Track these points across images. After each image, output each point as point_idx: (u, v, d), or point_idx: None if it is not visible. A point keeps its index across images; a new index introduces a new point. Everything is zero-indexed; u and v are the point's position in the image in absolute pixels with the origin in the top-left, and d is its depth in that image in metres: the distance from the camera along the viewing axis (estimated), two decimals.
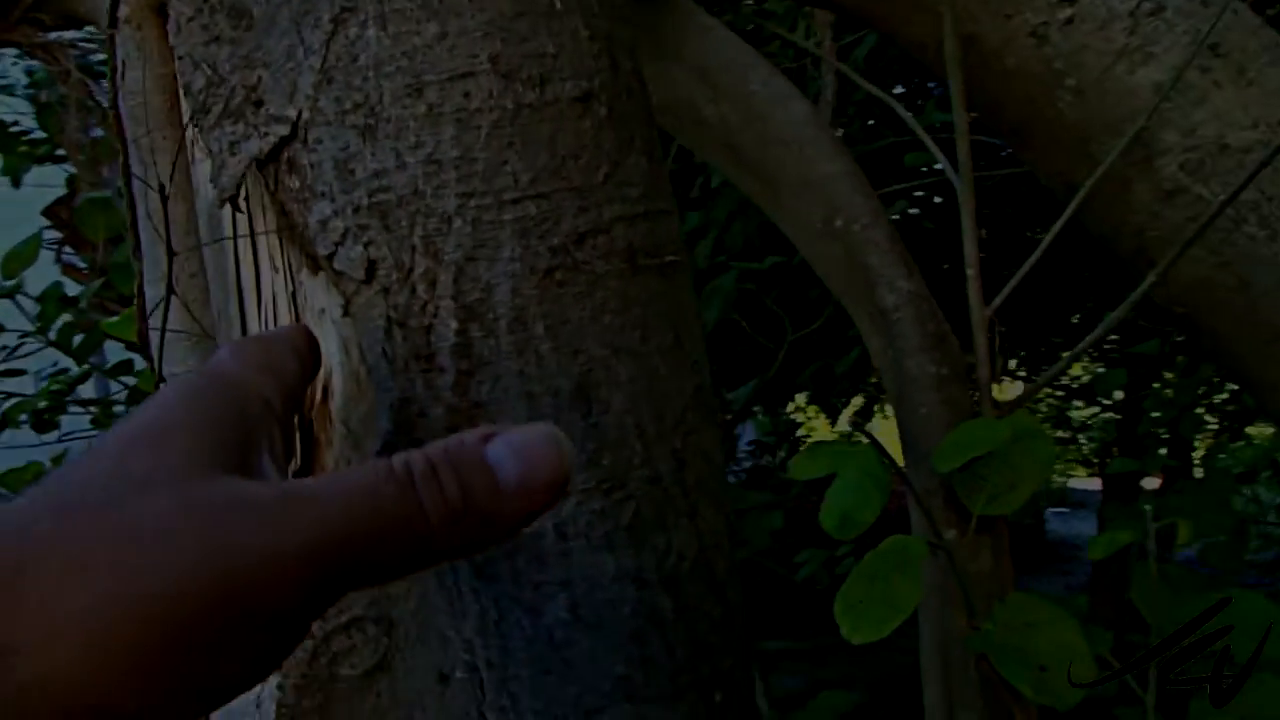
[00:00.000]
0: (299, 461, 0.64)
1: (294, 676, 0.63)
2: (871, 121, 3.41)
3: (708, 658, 0.60)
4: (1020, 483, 1.28)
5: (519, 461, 0.41)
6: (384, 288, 0.59)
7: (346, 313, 0.62)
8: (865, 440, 1.27)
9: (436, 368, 0.58)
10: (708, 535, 0.61)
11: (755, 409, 4.62)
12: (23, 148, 2.57)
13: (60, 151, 2.57)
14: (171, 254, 0.60)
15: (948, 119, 2.75)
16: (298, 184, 0.61)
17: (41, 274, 2.06)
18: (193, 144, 0.67)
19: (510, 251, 0.58)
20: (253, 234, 0.65)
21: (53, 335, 1.96)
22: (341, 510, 0.37)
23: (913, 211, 4.14)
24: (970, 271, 1.40)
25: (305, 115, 0.60)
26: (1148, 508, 1.38)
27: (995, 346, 1.45)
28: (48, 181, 2.67)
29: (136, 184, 0.69)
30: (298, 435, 0.64)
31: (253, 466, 0.41)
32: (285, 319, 0.64)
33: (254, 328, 0.65)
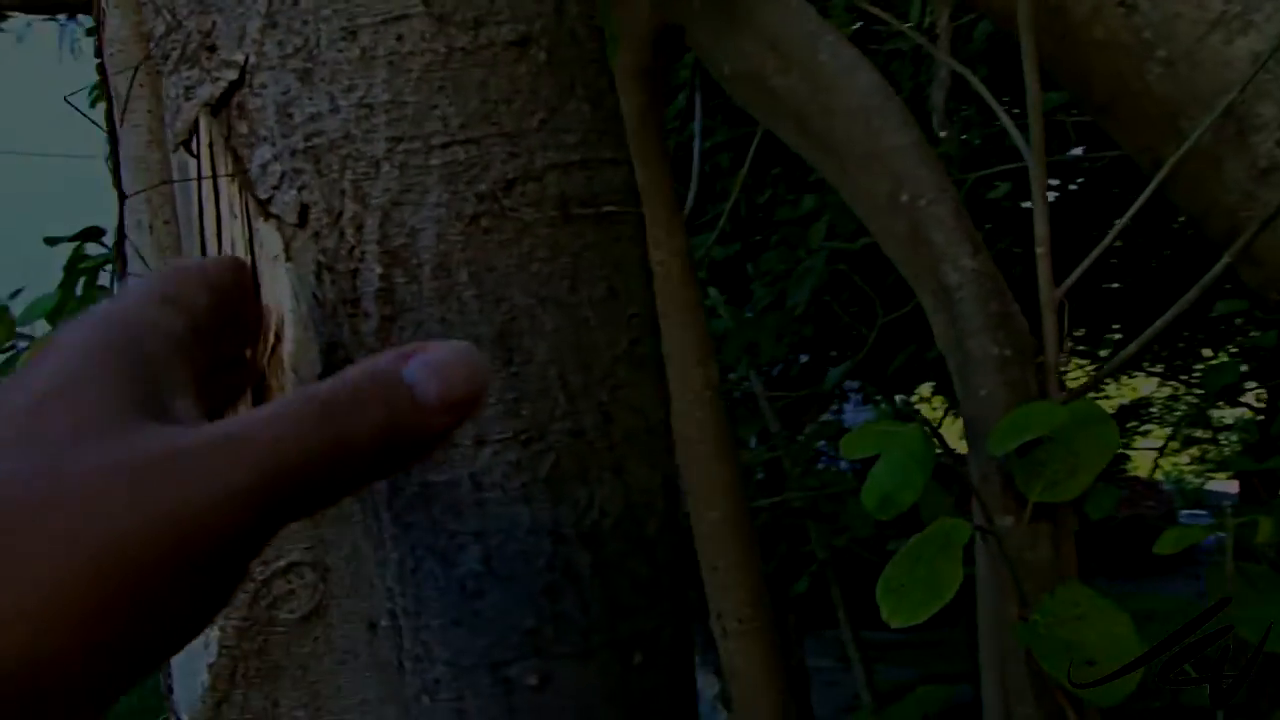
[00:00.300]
0: (250, 407, 0.64)
1: (235, 619, 0.64)
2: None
3: (628, 617, 0.59)
4: (1081, 469, 1.23)
5: (437, 379, 0.42)
6: (315, 232, 0.59)
7: (288, 257, 0.62)
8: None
9: (361, 313, 0.58)
10: (636, 492, 0.60)
11: (877, 397, 4.54)
12: None
13: None
14: (123, 197, 0.62)
15: (1062, 99, 2.64)
16: (246, 129, 0.62)
17: None
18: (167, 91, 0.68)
19: (436, 197, 0.57)
20: (215, 178, 0.65)
21: None
22: (271, 448, 0.37)
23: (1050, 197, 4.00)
24: (1040, 250, 1.35)
25: (252, 59, 0.61)
26: (1228, 505, 1.31)
27: (1065, 328, 1.39)
28: None
29: (123, 130, 0.70)
30: (249, 384, 0.65)
31: (167, 409, 0.40)
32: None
33: None
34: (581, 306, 0.59)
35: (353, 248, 0.58)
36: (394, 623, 0.60)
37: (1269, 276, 1.36)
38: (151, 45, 0.66)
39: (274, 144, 0.60)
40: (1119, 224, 1.38)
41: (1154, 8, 1.35)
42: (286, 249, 0.61)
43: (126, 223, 0.71)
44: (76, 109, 0.65)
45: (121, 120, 0.67)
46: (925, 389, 5.01)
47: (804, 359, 4.11)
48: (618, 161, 0.62)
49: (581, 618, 0.57)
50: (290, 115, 0.59)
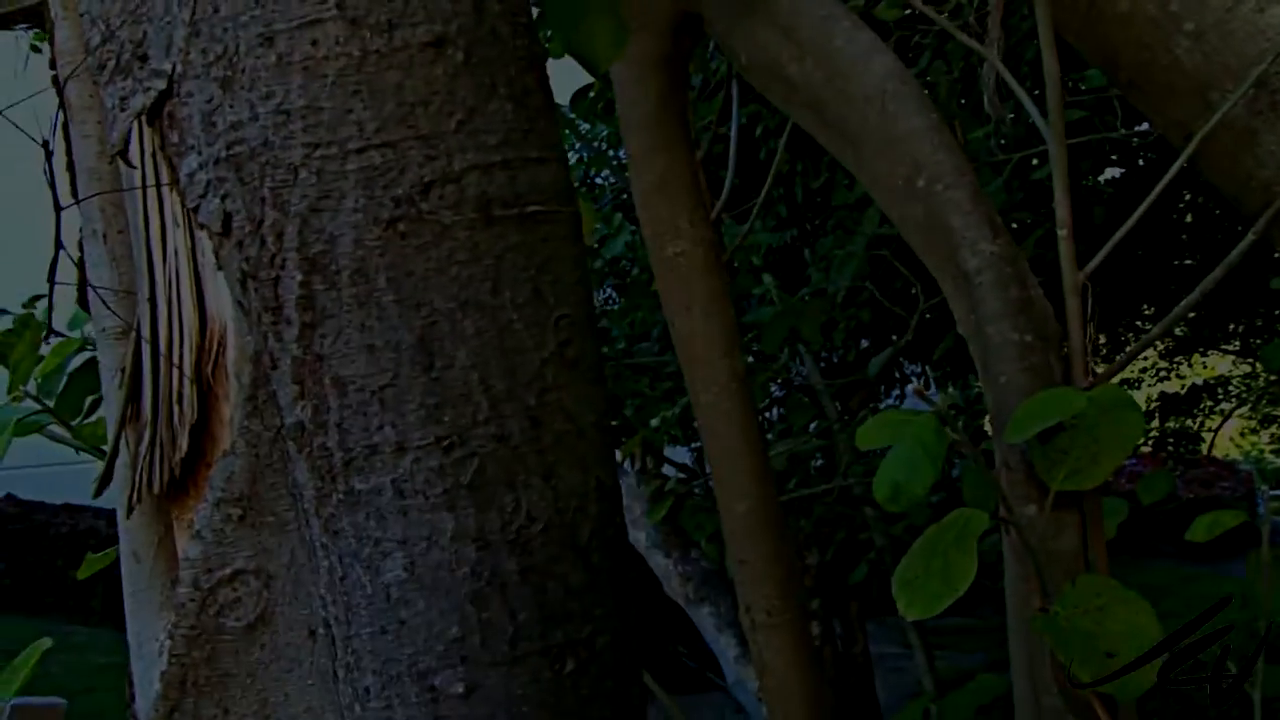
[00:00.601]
0: (195, 416, 0.65)
1: (184, 627, 0.64)
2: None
3: (560, 624, 0.58)
4: (1103, 457, 1.19)
5: None
6: (239, 241, 0.59)
7: (218, 266, 0.62)
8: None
9: (284, 320, 0.58)
10: (567, 497, 0.59)
11: (948, 382, 4.48)
12: None
13: None
14: (59, 209, 0.62)
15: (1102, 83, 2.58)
16: (177, 138, 0.62)
17: None
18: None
19: (354, 202, 0.56)
20: (159, 187, 0.65)
21: None
22: None
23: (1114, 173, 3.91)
24: (1062, 233, 1.31)
25: (179, 69, 0.61)
26: (1264, 488, 1.26)
27: (1089, 312, 1.36)
28: None
29: (75, 141, 0.71)
30: (194, 390, 0.65)
31: None
32: (186, 274, 0.65)
33: (160, 282, 0.66)
34: (505, 310, 0.58)
35: (274, 255, 0.57)
36: (328, 631, 0.59)
37: None
38: (89, 57, 0.66)
39: (200, 152, 0.60)
40: (1144, 204, 1.34)
41: None
42: (216, 257, 0.61)
43: (85, 232, 0.72)
44: (15, 124, 0.65)
45: (54, 134, 0.67)
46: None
47: (865, 344, 4.05)
48: (545, 160, 0.61)
49: (509, 625, 0.56)
50: (214, 123, 0.59)
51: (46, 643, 1.21)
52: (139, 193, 0.67)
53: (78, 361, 1.24)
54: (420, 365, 0.56)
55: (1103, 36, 1.43)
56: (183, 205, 0.65)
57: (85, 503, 5.79)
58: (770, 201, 3.79)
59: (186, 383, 0.65)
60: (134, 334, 0.68)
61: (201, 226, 0.63)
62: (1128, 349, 1.27)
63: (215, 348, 0.65)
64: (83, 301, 0.72)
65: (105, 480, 0.67)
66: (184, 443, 0.65)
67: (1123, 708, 1.29)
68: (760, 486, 1.62)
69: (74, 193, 0.69)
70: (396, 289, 0.56)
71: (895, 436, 1.23)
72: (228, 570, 0.63)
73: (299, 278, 0.57)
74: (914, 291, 2.84)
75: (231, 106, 0.58)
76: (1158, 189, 1.34)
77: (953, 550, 1.17)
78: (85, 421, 1.15)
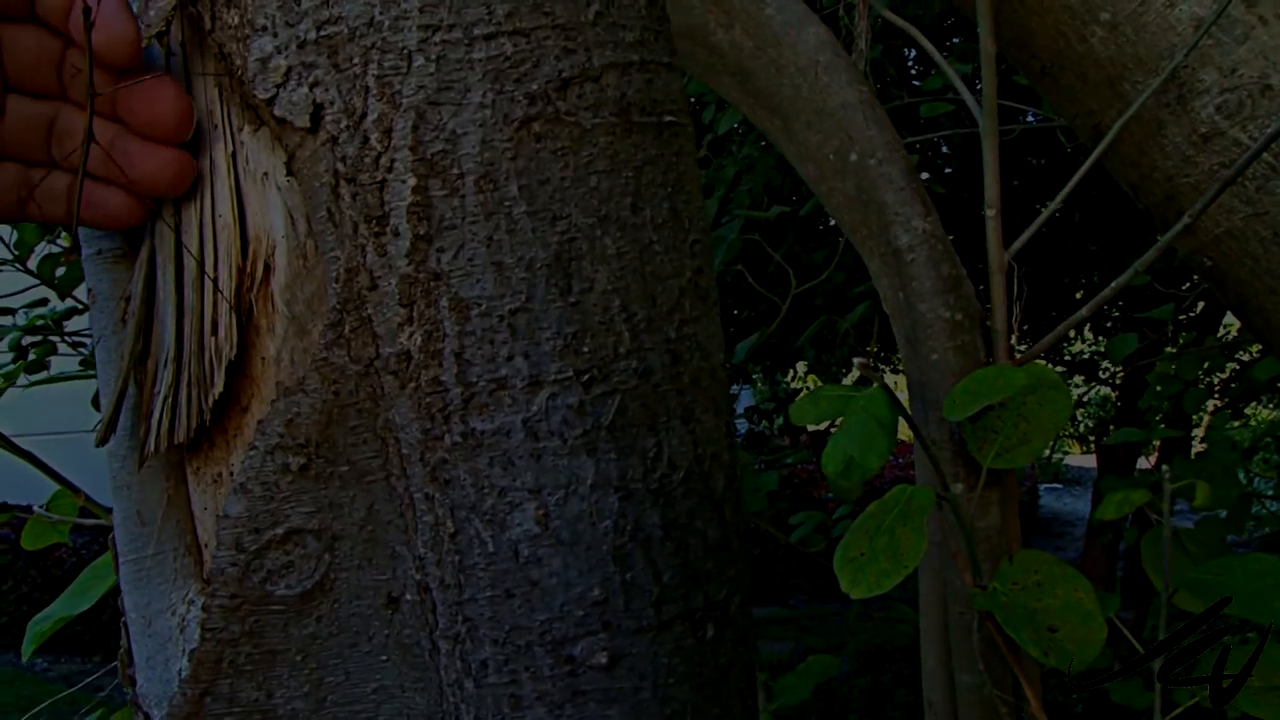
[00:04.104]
0: (234, 349, 0.55)
1: (221, 596, 0.54)
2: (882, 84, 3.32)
3: (700, 585, 0.51)
4: (1034, 436, 1.20)
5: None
6: (331, 137, 0.50)
7: (290, 171, 0.52)
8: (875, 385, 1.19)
9: (390, 231, 0.49)
10: (705, 444, 0.52)
11: (755, 376, 4.54)
12: None
13: None
14: (93, 94, 0.51)
15: (963, 70, 2.64)
16: (237, 19, 0.52)
17: None
18: None
19: (481, 96, 0.48)
20: (189, 78, 0.55)
21: (32, 265, 1.85)
22: None
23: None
24: (990, 212, 1.31)
25: None
26: (1165, 468, 1.29)
27: (1014, 293, 1.37)
28: None
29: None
30: (234, 320, 0.55)
31: None
32: (224, 183, 0.55)
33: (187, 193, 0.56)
34: (645, 228, 0.51)
35: (379, 155, 0.49)
36: (425, 597, 0.51)
37: (1203, 243, 1.36)
38: None
39: (275, 35, 0.50)
40: (1064, 190, 1.36)
41: None
42: (291, 159, 0.52)
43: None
44: None
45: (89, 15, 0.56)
46: (800, 367, 5.04)
47: (731, 330, 4.06)
48: (672, 67, 0.54)
49: (653, 586, 0.49)
50: (297, 1, 0.50)
51: None
52: None
53: None
54: (557, 287, 0.48)
55: (1019, 23, 1.44)
56: (222, 103, 0.55)
57: None
58: None
59: (225, 311, 0.55)
60: (144, 257, 0.57)
61: (260, 125, 0.54)
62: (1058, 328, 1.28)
63: (260, 271, 0.55)
64: (72, 214, 0.60)
65: (111, 427, 0.56)
66: (220, 382, 0.55)
67: (1032, 687, 1.30)
68: None
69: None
70: (530, 198, 0.48)
71: (834, 411, 1.21)
72: (279, 530, 0.53)
73: (412, 182, 0.48)
74: (753, 289, 2.85)
75: None
76: (1075, 178, 1.36)
77: (900, 527, 1.15)
78: None
